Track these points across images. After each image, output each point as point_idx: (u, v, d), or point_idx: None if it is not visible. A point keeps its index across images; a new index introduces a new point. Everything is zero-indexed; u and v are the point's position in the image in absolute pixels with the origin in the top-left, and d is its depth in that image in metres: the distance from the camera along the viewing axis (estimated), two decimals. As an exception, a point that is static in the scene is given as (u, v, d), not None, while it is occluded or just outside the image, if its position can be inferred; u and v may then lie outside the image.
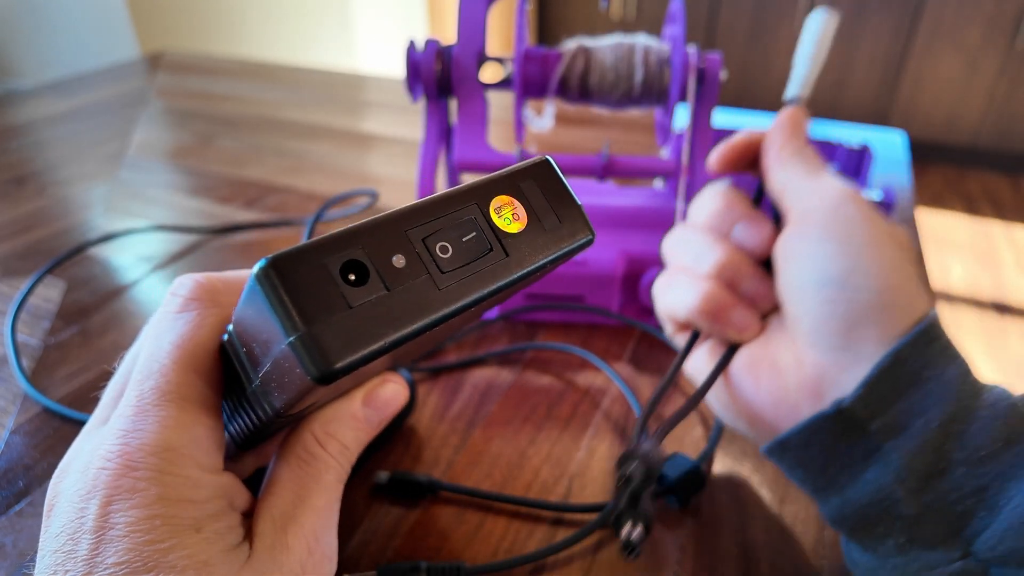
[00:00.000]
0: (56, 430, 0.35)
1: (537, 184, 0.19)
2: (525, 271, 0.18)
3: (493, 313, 0.43)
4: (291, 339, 0.15)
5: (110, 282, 0.48)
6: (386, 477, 0.31)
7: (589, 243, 0.19)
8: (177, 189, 0.63)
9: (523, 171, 0.19)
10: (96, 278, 0.49)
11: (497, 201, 0.18)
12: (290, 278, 0.15)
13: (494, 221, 0.18)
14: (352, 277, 0.15)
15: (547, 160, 0.19)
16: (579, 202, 0.19)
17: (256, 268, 0.15)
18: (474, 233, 0.17)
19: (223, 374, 0.21)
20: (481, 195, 0.18)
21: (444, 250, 0.17)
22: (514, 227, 0.18)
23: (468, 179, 0.20)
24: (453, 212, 0.17)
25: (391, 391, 0.24)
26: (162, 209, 0.59)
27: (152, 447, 0.18)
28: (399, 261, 0.16)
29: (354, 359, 0.15)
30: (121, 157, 0.71)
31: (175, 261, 0.51)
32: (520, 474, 0.33)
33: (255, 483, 0.22)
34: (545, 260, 0.18)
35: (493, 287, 0.17)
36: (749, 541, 0.29)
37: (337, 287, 0.15)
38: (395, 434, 0.35)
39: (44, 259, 0.51)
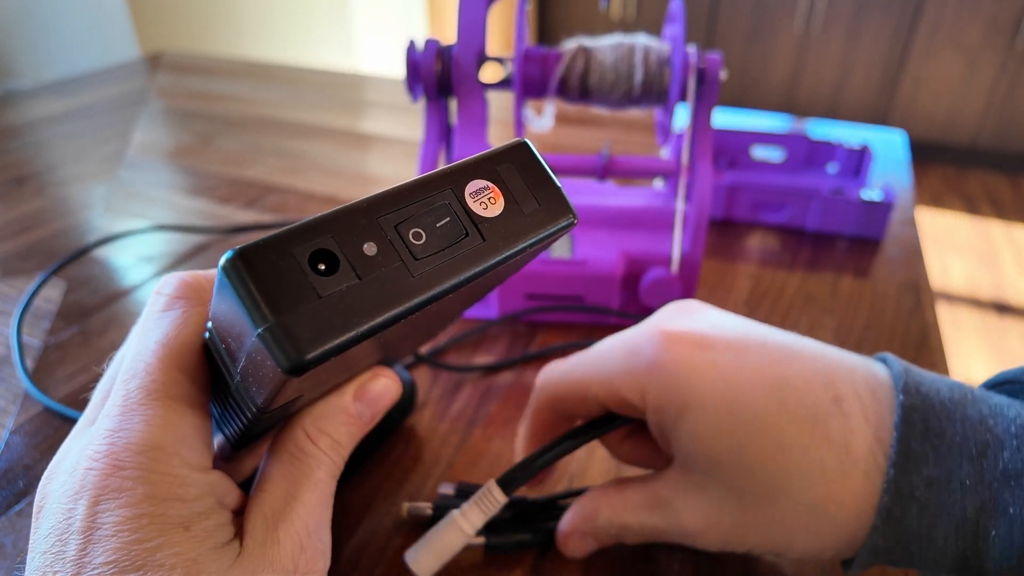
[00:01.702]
0: (56, 430, 0.35)
1: (515, 168, 0.18)
2: (503, 256, 0.17)
3: (494, 313, 0.43)
4: (260, 330, 0.14)
5: (110, 282, 0.48)
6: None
7: (571, 226, 0.19)
8: (177, 189, 0.63)
9: (500, 154, 0.18)
10: (96, 278, 0.49)
11: (472, 185, 0.18)
12: (257, 269, 0.15)
13: (469, 206, 0.17)
14: (322, 267, 0.15)
15: (525, 143, 0.19)
16: (559, 185, 0.19)
17: (223, 260, 0.15)
18: (448, 218, 0.17)
19: (210, 372, 0.21)
20: (456, 180, 0.18)
21: (417, 236, 0.16)
22: (491, 211, 0.18)
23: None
24: (426, 198, 0.17)
25: (382, 386, 0.23)
26: (162, 209, 0.59)
27: (139, 446, 0.18)
28: (370, 249, 0.16)
29: (325, 350, 0.15)
30: (121, 157, 0.71)
31: (175, 261, 0.51)
32: (520, 474, 0.32)
33: (251, 484, 0.22)
34: (524, 244, 0.18)
35: (470, 273, 0.17)
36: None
37: (306, 277, 0.15)
38: (395, 433, 0.35)
39: (44, 259, 0.51)
